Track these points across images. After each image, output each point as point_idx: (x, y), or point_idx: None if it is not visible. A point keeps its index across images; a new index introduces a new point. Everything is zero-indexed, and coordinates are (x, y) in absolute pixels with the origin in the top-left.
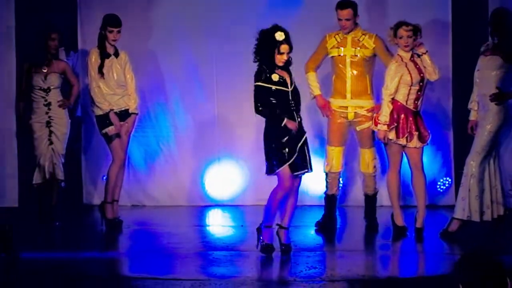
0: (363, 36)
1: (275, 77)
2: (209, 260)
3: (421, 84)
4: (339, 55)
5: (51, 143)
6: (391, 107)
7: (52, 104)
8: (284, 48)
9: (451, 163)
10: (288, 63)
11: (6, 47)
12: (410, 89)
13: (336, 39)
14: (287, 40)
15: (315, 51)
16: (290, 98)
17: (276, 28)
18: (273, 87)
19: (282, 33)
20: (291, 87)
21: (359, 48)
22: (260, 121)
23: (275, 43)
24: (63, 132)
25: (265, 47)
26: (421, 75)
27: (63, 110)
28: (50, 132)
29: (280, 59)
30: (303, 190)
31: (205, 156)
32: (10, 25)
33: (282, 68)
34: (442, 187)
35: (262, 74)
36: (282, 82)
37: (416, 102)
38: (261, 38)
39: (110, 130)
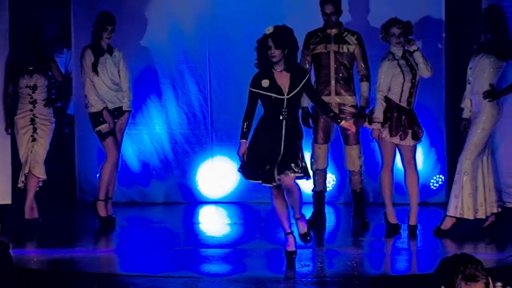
0: (346, 32)
1: (265, 83)
2: (202, 258)
3: (413, 81)
4: (323, 52)
5: (34, 139)
6: (385, 105)
7: (37, 102)
8: (269, 42)
9: (444, 160)
10: (293, 64)
11: (0, 46)
12: (402, 86)
13: (319, 36)
14: (273, 34)
15: (301, 52)
16: (285, 106)
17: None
18: (263, 93)
19: (271, 27)
20: (290, 94)
21: (342, 44)
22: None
23: (264, 38)
24: (46, 131)
25: (259, 45)
26: (413, 72)
27: (48, 108)
28: (34, 129)
29: (269, 54)
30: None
31: (198, 154)
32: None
33: (287, 69)
34: (435, 184)
35: (254, 78)
36: (274, 88)
37: (409, 99)
38: (260, 38)
39: (104, 127)
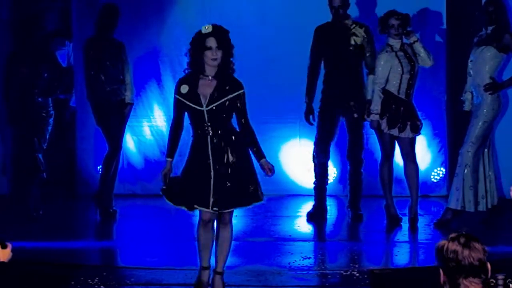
0: (354, 25)
1: (183, 88)
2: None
3: (412, 73)
4: (331, 44)
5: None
6: (382, 96)
7: (36, 94)
8: (210, 41)
9: (445, 153)
10: (226, 71)
11: (1, 38)
12: (401, 78)
13: (327, 29)
14: (214, 33)
15: (311, 49)
16: (206, 119)
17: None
18: (182, 100)
19: (210, 26)
20: (209, 105)
21: (349, 37)
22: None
23: (201, 37)
24: (44, 123)
25: (193, 45)
26: (412, 64)
27: (47, 99)
28: (33, 121)
29: (209, 56)
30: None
31: None
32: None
33: (217, 76)
34: (436, 177)
35: (177, 83)
36: (192, 97)
37: (408, 91)
38: (192, 37)
39: (107, 120)
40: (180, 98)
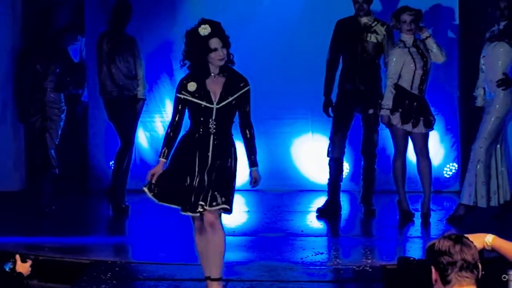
0: (376, 22)
1: (191, 86)
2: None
3: (425, 68)
4: (351, 40)
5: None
6: (394, 92)
7: (48, 89)
8: (214, 42)
9: (458, 149)
10: (231, 66)
11: (13, 34)
12: (414, 74)
13: (349, 24)
14: (215, 33)
15: (331, 42)
16: (214, 117)
17: (201, 22)
18: (189, 98)
19: (207, 26)
20: (219, 103)
21: (370, 34)
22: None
23: (202, 40)
24: (57, 119)
25: (193, 48)
26: (425, 59)
27: (59, 95)
28: (44, 117)
29: (216, 57)
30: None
31: None
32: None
33: (223, 72)
34: (448, 173)
35: (180, 81)
36: (202, 94)
37: (420, 87)
38: (187, 39)
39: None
40: (187, 96)
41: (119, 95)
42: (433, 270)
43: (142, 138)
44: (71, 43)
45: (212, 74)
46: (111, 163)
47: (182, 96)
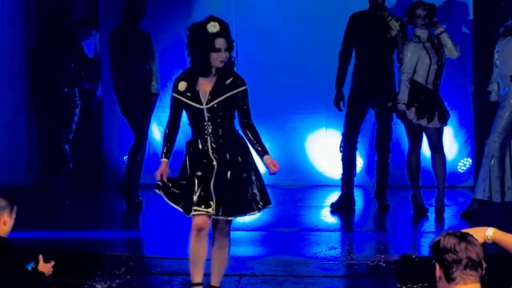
0: (390, 17)
1: (181, 86)
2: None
3: (439, 63)
4: (364, 34)
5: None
6: (409, 86)
7: (62, 84)
8: (219, 42)
9: (472, 144)
10: (228, 66)
11: (27, 29)
12: (429, 69)
13: (362, 18)
14: (223, 33)
15: (344, 36)
16: (206, 118)
17: (210, 18)
18: (179, 98)
19: (216, 24)
20: (209, 103)
21: (385, 29)
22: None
23: (208, 37)
24: (70, 113)
25: (197, 43)
26: (439, 54)
27: (73, 90)
28: (59, 112)
29: (217, 58)
30: (319, 171)
31: None
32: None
33: (219, 72)
34: (462, 168)
35: (174, 80)
36: (190, 94)
37: (435, 81)
38: (192, 33)
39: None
40: (178, 96)
41: (132, 91)
42: (437, 267)
43: (155, 132)
44: (86, 38)
45: (209, 73)
46: (125, 158)
47: (174, 95)
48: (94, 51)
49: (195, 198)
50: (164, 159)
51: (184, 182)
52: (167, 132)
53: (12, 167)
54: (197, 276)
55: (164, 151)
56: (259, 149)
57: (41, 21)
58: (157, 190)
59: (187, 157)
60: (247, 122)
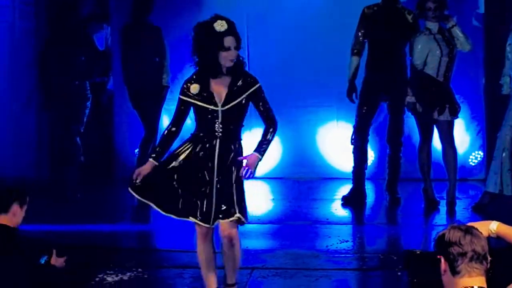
0: (402, 10)
1: (194, 89)
2: (240, 233)
3: (450, 56)
4: (377, 28)
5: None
6: (420, 79)
7: (73, 77)
8: (228, 41)
9: (483, 137)
10: (238, 66)
11: (37, 23)
12: (440, 61)
13: (375, 11)
14: (231, 31)
15: (356, 29)
16: (220, 119)
17: (216, 17)
18: (191, 101)
19: (224, 22)
20: (225, 105)
21: (397, 22)
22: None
23: (217, 36)
24: (81, 106)
25: (205, 43)
26: (451, 46)
27: (84, 83)
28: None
29: (227, 57)
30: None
31: None
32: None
33: (230, 73)
34: (474, 161)
35: (184, 82)
36: (205, 96)
37: (446, 74)
38: (198, 33)
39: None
40: (189, 99)
41: (143, 84)
42: (442, 260)
43: (166, 125)
44: (97, 31)
45: (219, 74)
46: (136, 151)
47: (184, 98)
48: (105, 44)
49: (198, 212)
50: (152, 160)
51: (182, 184)
52: (166, 133)
53: (23, 160)
54: (211, 283)
55: (157, 151)
56: (257, 145)
57: (51, 15)
58: (130, 189)
59: (188, 154)
60: (269, 118)
